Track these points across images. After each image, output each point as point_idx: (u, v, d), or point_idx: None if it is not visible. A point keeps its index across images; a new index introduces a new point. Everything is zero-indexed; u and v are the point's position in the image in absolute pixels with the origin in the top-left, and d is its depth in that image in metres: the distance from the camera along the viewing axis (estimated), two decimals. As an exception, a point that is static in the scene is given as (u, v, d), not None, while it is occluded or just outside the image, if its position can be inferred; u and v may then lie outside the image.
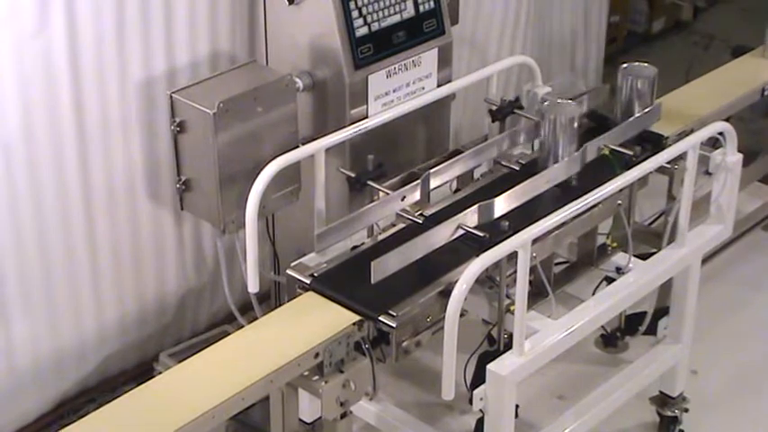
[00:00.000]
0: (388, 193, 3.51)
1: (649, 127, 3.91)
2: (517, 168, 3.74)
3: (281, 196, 3.74)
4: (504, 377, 3.26)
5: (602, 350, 4.47)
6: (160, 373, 3.60)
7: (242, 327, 3.34)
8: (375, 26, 3.84)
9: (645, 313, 4.13)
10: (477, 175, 3.83)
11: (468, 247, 3.36)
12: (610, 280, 3.71)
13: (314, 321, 3.18)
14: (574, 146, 3.67)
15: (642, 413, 4.16)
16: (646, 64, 3.93)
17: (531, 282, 3.32)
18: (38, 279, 3.83)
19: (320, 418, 3.25)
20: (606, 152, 3.71)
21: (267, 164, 3.45)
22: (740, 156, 3.83)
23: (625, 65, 3.93)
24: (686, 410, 4.12)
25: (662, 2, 6.94)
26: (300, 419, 3.34)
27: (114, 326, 4.12)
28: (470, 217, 3.38)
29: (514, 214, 3.45)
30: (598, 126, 3.92)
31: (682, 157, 3.67)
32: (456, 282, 3.09)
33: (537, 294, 3.51)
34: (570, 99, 3.94)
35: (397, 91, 3.95)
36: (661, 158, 3.60)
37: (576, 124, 3.67)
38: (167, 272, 4.23)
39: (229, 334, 3.23)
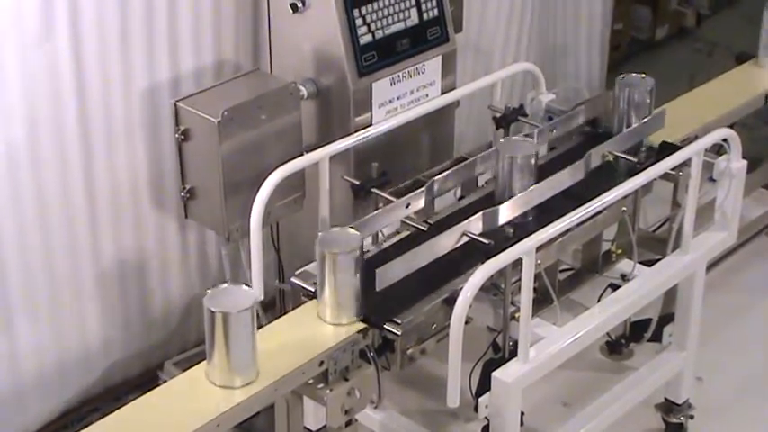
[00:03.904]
0: (392, 201, 3.51)
1: (652, 134, 3.92)
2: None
3: (286, 204, 3.74)
4: (510, 384, 3.25)
5: (608, 357, 4.45)
6: (165, 381, 3.60)
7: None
8: (379, 34, 3.84)
9: (650, 320, 4.12)
10: (481, 182, 3.83)
11: (472, 254, 3.36)
12: (614, 287, 3.71)
13: (319, 329, 3.18)
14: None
15: (647, 420, 4.15)
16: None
17: (535, 289, 3.32)
18: (42, 287, 3.83)
19: (325, 426, 3.25)
20: (610, 159, 3.72)
21: (271, 172, 3.46)
22: (744, 162, 3.82)
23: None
24: (692, 417, 4.12)
25: (665, 9, 6.92)
26: (305, 427, 3.33)
27: (119, 334, 4.12)
28: (475, 224, 3.37)
29: (519, 221, 3.45)
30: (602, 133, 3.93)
31: (686, 163, 3.67)
32: (461, 289, 3.09)
33: (542, 301, 3.50)
34: (574, 107, 3.95)
35: (401, 98, 3.95)
36: (665, 165, 3.60)
37: (648, 99, 3.81)
38: (172, 280, 4.23)
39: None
